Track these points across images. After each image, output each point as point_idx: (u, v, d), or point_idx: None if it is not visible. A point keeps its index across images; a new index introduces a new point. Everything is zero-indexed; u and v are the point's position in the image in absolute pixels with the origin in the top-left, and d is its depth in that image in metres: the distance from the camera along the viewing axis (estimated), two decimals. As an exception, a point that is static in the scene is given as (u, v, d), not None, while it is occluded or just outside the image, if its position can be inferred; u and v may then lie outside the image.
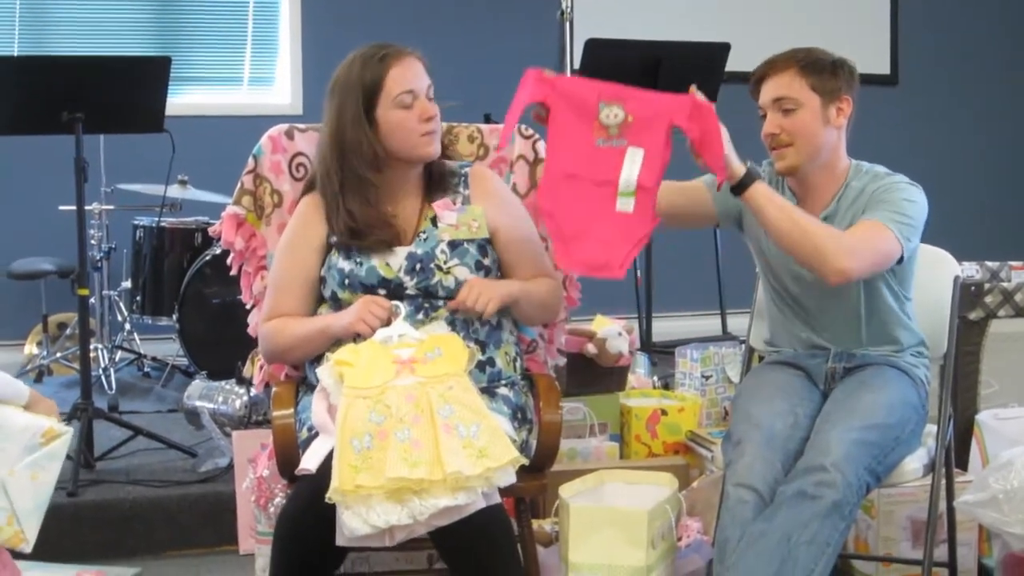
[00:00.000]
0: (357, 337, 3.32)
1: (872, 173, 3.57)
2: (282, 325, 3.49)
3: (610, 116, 3.21)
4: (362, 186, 3.44)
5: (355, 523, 2.95)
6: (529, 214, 3.68)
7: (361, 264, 3.43)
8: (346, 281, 3.43)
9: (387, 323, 3.31)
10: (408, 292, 3.41)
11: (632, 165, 3.18)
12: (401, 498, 2.96)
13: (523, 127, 3.84)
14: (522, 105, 3.25)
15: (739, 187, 3.31)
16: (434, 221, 3.49)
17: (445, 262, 3.43)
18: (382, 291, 3.41)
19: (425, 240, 3.46)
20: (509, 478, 3.07)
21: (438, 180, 3.57)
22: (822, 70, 3.52)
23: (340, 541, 3.00)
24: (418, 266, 3.42)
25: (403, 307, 3.34)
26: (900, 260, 3.45)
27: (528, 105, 3.26)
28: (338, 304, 3.46)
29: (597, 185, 3.20)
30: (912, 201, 3.47)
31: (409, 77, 3.44)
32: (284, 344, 3.51)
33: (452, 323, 3.40)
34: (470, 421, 3.05)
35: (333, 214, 3.47)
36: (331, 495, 2.97)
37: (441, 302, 3.41)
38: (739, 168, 3.29)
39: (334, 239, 3.49)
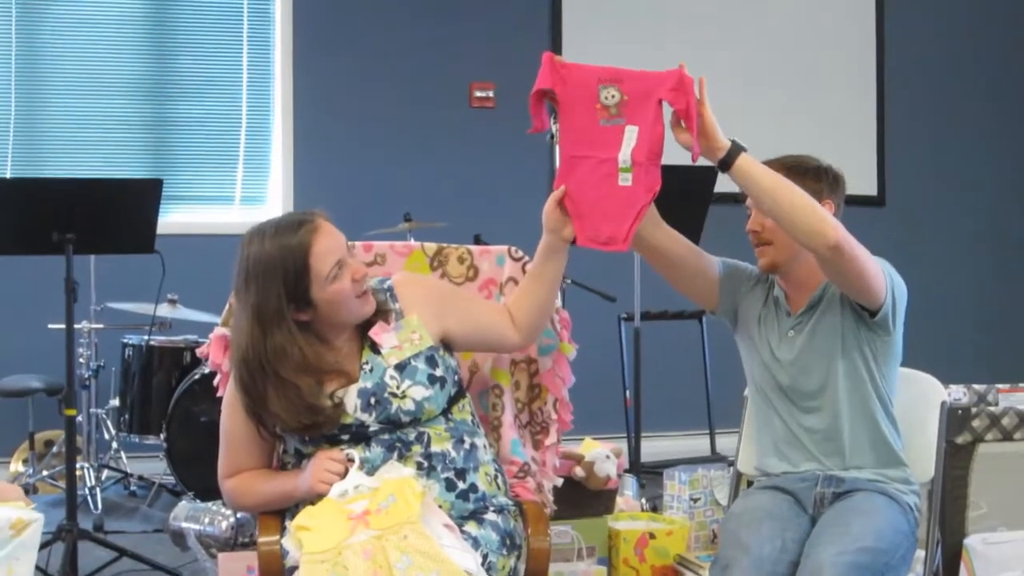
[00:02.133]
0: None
1: None
2: (245, 487, 3.43)
3: (608, 97, 3.32)
4: (293, 389, 3.27)
5: None
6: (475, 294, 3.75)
7: None
8: (306, 437, 3.35)
9: (344, 474, 3.25)
10: (372, 429, 3.32)
11: (628, 142, 3.29)
12: None
13: (513, 249, 3.86)
14: (536, 91, 3.36)
15: (726, 161, 3.31)
16: (374, 348, 3.39)
17: (398, 387, 3.33)
18: (345, 436, 3.32)
19: (371, 371, 3.36)
20: None
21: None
22: (805, 173, 3.59)
23: None
24: (372, 400, 3.32)
25: (356, 454, 3.27)
26: (876, 313, 3.50)
27: (541, 90, 3.36)
28: (300, 458, 3.38)
29: (601, 163, 3.32)
30: (894, 276, 3.56)
31: (331, 247, 3.29)
32: (249, 505, 3.49)
33: (428, 457, 3.33)
34: (429, 569, 2.98)
35: (264, 418, 3.33)
36: None
37: (411, 432, 3.34)
38: (723, 142, 3.31)
39: None
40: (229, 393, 3.43)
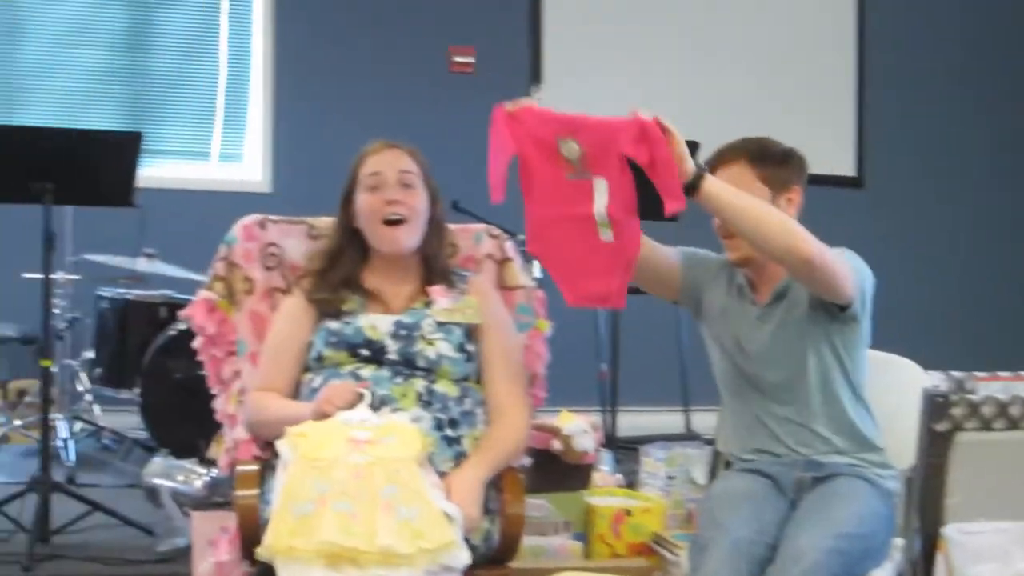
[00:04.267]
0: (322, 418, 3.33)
1: None
2: (266, 400, 3.52)
3: (569, 151, 3.17)
4: (341, 258, 3.62)
5: None
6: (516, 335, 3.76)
7: (349, 324, 3.49)
8: (332, 339, 3.47)
9: (352, 407, 3.31)
10: (389, 356, 3.44)
11: (600, 196, 3.14)
12: (338, 565, 2.97)
13: (491, 227, 3.90)
14: (499, 154, 3.19)
15: (691, 186, 3.18)
16: (427, 305, 3.55)
17: (431, 333, 3.48)
18: (365, 351, 3.45)
19: (414, 312, 3.53)
20: (458, 558, 3.08)
21: (438, 273, 3.63)
22: (771, 160, 3.57)
23: None
24: (403, 332, 3.47)
25: (368, 395, 3.33)
26: (846, 308, 3.47)
27: (509, 157, 3.20)
28: (321, 364, 3.48)
29: (579, 220, 3.16)
30: (860, 267, 3.51)
31: (380, 162, 3.57)
32: (262, 420, 3.53)
33: (430, 392, 3.41)
34: (411, 503, 3.05)
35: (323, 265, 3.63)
36: (260, 551, 3.03)
37: (420, 373, 3.44)
38: (691, 168, 3.16)
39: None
40: (278, 313, 3.67)
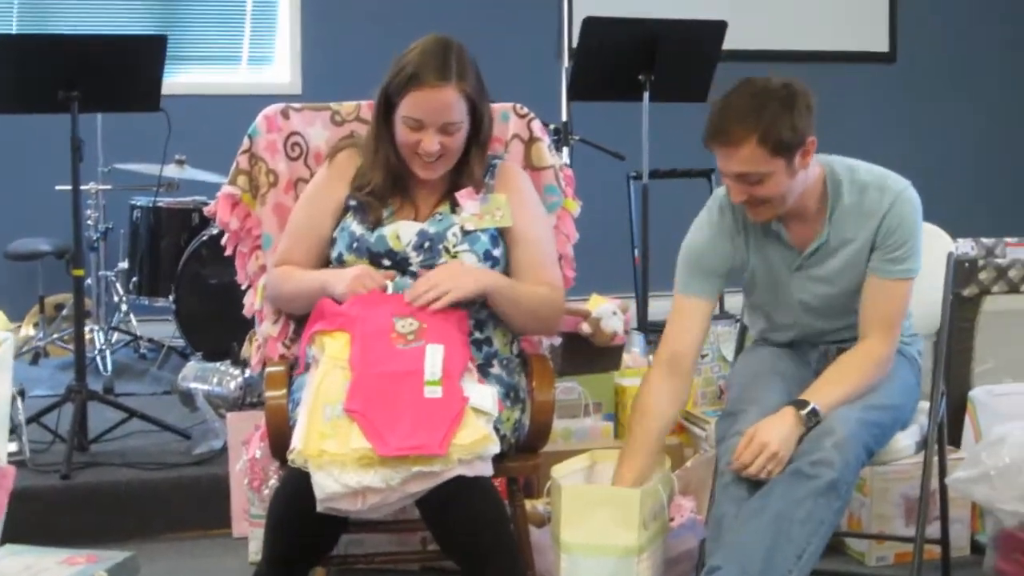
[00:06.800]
0: None
1: (857, 183, 3.40)
2: (288, 273, 3.54)
3: (406, 326, 3.25)
4: (383, 162, 3.51)
5: (327, 482, 2.99)
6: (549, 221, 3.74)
7: (372, 231, 3.45)
8: (355, 244, 3.45)
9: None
10: (411, 268, 3.43)
11: (434, 358, 3.18)
12: (371, 467, 3.00)
13: (518, 106, 3.86)
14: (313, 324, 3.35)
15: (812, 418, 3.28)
16: (453, 208, 3.50)
17: (454, 245, 3.43)
18: (387, 261, 3.43)
19: (440, 221, 3.48)
20: (490, 449, 3.11)
21: (466, 174, 3.54)
22: (781, 128, 3.19)
23: (319, 507, 3.02)
24: (427, 244, 3.43)
25: (391, 286, 3.36)
26: None
27: (316, 331, 3.34)
28: (342, 267, 3.47)
29: (403, 377, 3.15)
30: (919, 222, 3.43)
31: (424, 108, 3.38)
32: (287, 292, 3.55)
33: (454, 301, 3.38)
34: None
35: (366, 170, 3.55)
36: (294, 456, 3.04)
37: None
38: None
39: (352, 202, 3.52)
40: (309, 187, 3.65)
